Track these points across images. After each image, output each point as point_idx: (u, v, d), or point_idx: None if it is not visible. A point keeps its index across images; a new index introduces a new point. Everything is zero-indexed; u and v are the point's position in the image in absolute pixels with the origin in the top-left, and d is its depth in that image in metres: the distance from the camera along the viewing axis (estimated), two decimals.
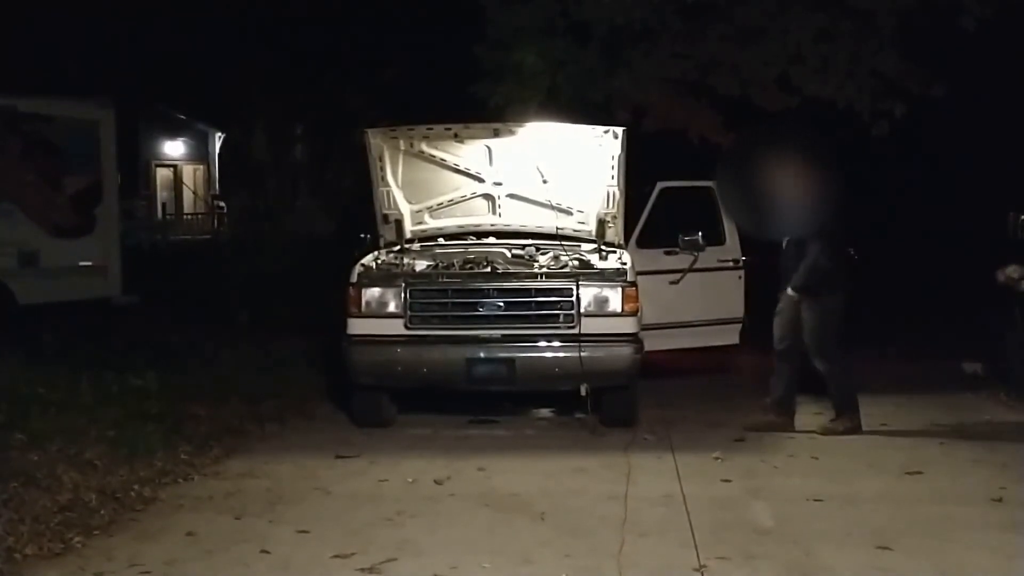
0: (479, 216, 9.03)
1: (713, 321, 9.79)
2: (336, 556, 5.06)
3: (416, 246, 8.71)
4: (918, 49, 10.86)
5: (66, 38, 21.29)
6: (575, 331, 7.54)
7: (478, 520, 5.70)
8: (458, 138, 8.56)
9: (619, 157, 8.24)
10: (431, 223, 9.03)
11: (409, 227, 8.86)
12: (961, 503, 6.00)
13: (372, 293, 7.70)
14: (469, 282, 7.75)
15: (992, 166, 17.74)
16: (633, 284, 7.69)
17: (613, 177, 8.35)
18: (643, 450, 7.30)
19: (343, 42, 18.48)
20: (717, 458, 7.03)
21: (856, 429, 7.78)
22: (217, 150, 34.41)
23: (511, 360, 7.54)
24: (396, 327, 7.63)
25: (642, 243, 9.55)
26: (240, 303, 12.64)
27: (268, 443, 7.63)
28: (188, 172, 35.16)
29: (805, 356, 7.85)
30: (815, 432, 7.76)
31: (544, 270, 7.98)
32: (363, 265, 7.95)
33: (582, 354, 7.43)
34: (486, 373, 7.58)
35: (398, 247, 8.51)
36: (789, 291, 7.79)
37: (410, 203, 8.89)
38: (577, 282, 7.61)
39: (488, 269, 7.92)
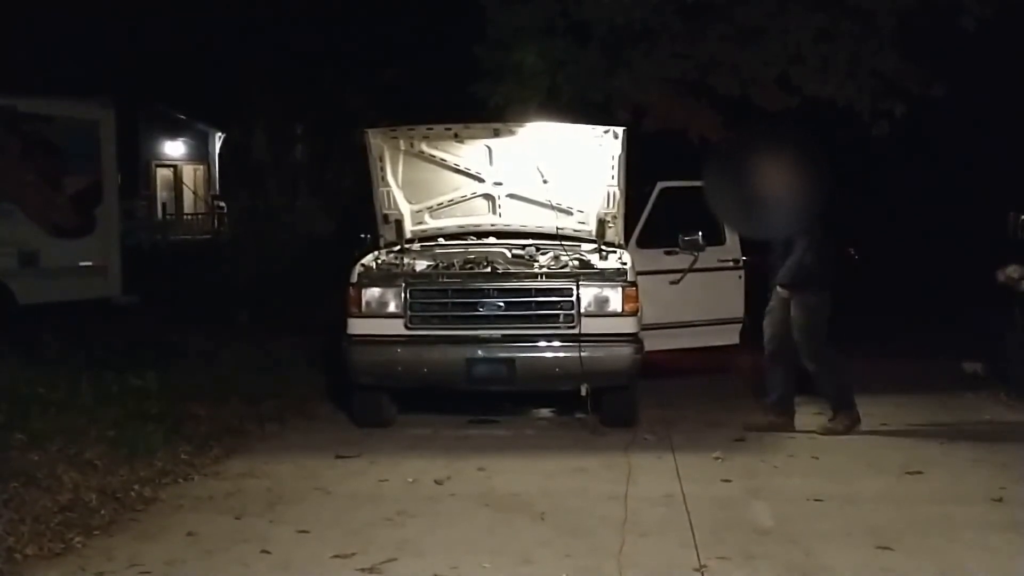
0: (479, 216, 9.03)
1: (713, 321, 9.79)
2: (336, 556, 5.06)
3: (416, 246, 8.71)
4: (918, 49, 10.87)
5: (66, 38, 21.29)
6: (575, 331, 7.54)
7: (478, 520, 5.70)
8: (458, 138, 8.56)
9: (619, 157, 8.24)
10: (431, 223, 9.03)
11: (409, 227, 8.86)
12: (961, 503, 6.00)
13: (372, 293, 7.70)
14: (469, 282, 7.75)
15: (992, 166, 17.75)
16: (633, 284, 7.69)
17: (613, 177, 8.35)
18: (643, 450, 7.30)
19: (343, 42, 18.48)
20: (717, 458, 7.03)
21: (855, 423, 7.78)
22: (217, 150, 34.40)
23: (511, 360, 7.54)
24: (396, 327, 7.63)
25: (642, 243, 9.55)
26: (240, 303, 12.64)
27: (268, 443, 7.63)
28: (188, 172, 35.17)
29: (798, 354, 7.85)
30: (816, 433, 7.76)
31: (544, 270, 7.98)
32: (363, 265, 7.95)
33: (582, 354, 7.43)
34: (486, 373, 7.58)
35: (398, 247, 8.51)
36: (777, 288, 7.81)
37: (410, 203, 8.89)
38: (577, 282, 7.61)
39: (488, 269, 7.92)
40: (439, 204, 8.97)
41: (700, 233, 9.29)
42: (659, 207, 9.80)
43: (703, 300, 9.72)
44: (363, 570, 4.89)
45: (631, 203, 8.83)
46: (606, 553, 5.11)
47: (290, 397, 8.98)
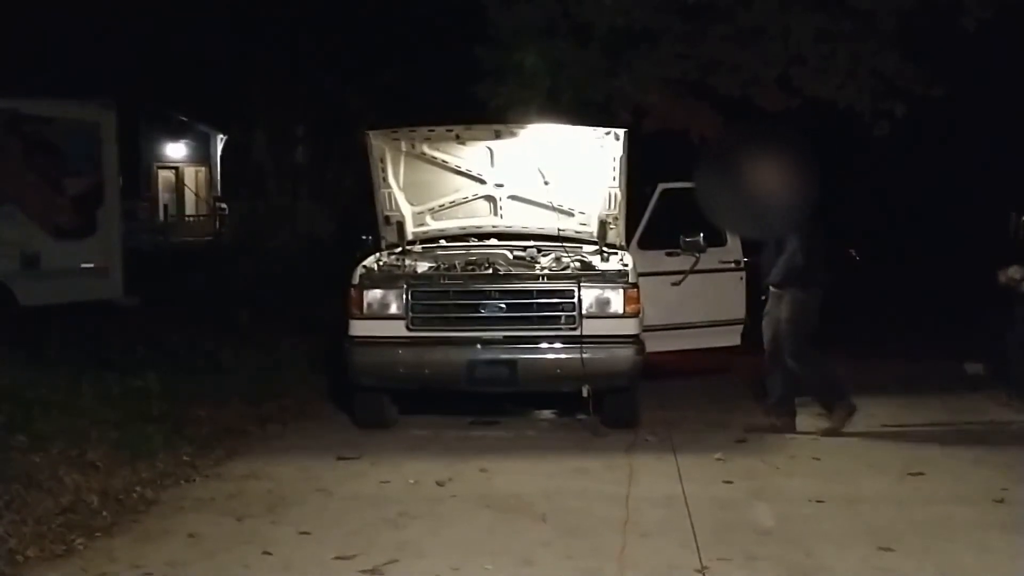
0: (481, 217, 9.04)
1: (715, 322, 9.79)
2: (338, 557, 5.07)
3: (418, 248, 8.71)
4: (918, 49, 10.87)
5: (67, 40, 21.31)
6: (577, 332, 7.54)
7: (480, 521, 5.70)
8: (459, 139, 8.56)
9: (620, 158, 8.23)
10: (433, 224, 9.03)
11: (411, 229, 8.86)
12: (962, 504, 6.00)
13: (374, 295, 7.70)
14: (471, 284, 7.75)
15: (992, 166, 17.75)
16: (635, 285, 7.69)
17: (614, 178, 8.35)
18: (645, 451, 7.30)
19: (344, 43, 18.49)
20: (719, 459, 7.03)
21: (852, 412, 7.78)
22: (219, 152, 34.46)
23: (513, 361, 7.54)
24: (398, 328, 7.63)
25: (644, 244, 9.55)
26: (241, 304, 12.65)
27: (269, 444, 7.63)
28: (190, 174, 35.17)
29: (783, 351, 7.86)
30: (816, 435, 7.75)
31: (546, 271, 7.98)
32: (365, 267, 7.95)
33: (584, 355, 7.43)
34: (488, 374, 7.57)
35: (400, 249, 8.51)
36: (770, 288, 7.82)
37: (412, 205, 8.90)
38: (579, 283, 7.61)
39: (490, 271, 7.92)
40: (440, 205, 8.97)
41: (701, 234, 9.28)
42: (660, 208, 9.80)
43: (704, 301, 9.71)
44: (364, 571, 4.89)
45: (632, 204, 8.83)
46: (607, 554, 5.11)
47: (291, 398, 8.98)
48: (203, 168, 35.50)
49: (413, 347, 7.62)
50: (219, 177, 34.51)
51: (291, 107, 19.75)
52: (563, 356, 7.56)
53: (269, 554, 5.13)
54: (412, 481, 6.52)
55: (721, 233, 9.75)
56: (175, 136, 34.51)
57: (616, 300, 7.61)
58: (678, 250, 9.50)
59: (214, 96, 25.38)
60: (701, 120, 12.22)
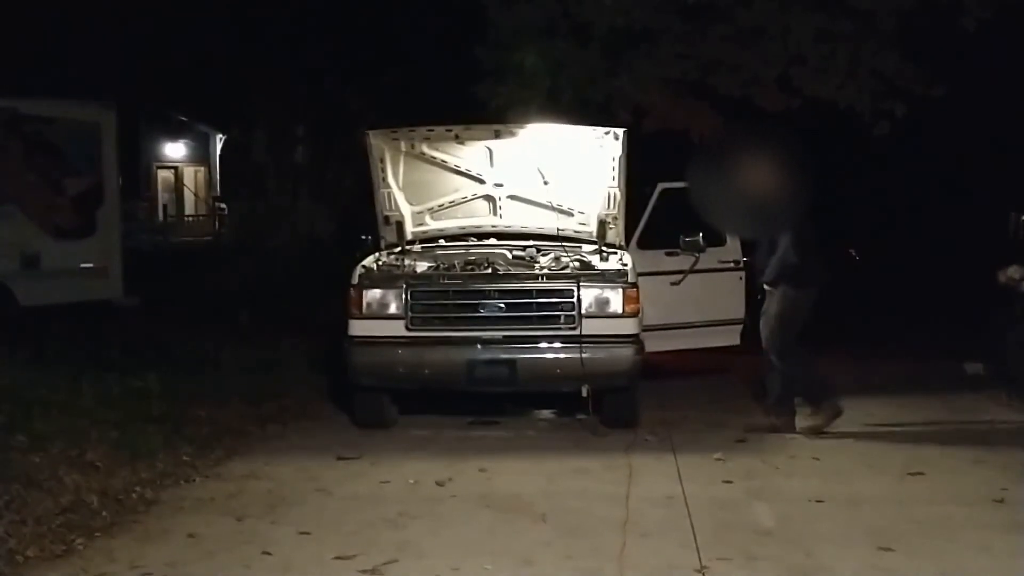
0: (480, 217, 9.04)
1: (714, 322, 9.78)
2: (337, 557, 5.07)
3: (417, 247, 8.71)
4: (918, 49, 10.87)
5: (67, 40, 21.31)
6: (576, 332, 7.54)
7: (479, 521, 5.70)
8: (459, 139, 8.56)
9: (620, 158, 8.23)
10: (432, 224, 9.03)
11: (410, 228, 8.86)
12: (962, 504, 6.00)
13: (373, 294, 7.70)
14: (470, 283, 7.75)
15: (992, 166, 17.76)
16: (634, 285, 7.69)
17: (614, 178, 8.35)
18: (644, 451, 7.30)
19: (344, 43, 18.49)
20: (718, 459, 7.03)
21: (837, 413, 7.76)
22: (218, 152, 34.44)
23: (512, 361, 7.53)
24: (397, 328, 7.63)
25: (643, 244, 9.55)
26: (241, 304, 12.65)
27: (269, 444, 7.63)
28: (189, 174, 35.18)
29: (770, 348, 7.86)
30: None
31: (545, 271, 7.98)
32: (364, 266, 7.95)
33: (583, 355, 7.43)
34: (487, 374, 7.57)
35: (399, 248, 8.51)
36: (765, 287, 7.82)
37: (411, 204, 8.90)
38: (578, 283, 7.61)
39: (489, 270, 7.92)
40: (440, 205, 8.98)
41: (701, 234, 9.28)
42: (660, 208, 9.80)
43: (704, 301, 9.71)
44: (364, 571, 4.89)
45: (632, 204, 8.83)
46: (607, 554, 5.11)
47: (291, 398, 8.98)
48: (202, 168, 35.50)
49: (413, 347, 7.62)
50: (218, 177, 34.50)
51: (291, 107, 19.72)
52: (562, 356, 7.56)
53: (269, 554, 5.13)
54: (412, 481, 6.52)
55: (720, 233, 9.75)
56: (174, 136, 34.51)
57: (615, 300, 7.61)
58: (677, 250, 9.50)
59: (214, 96, 25.38)
60: (701, 120, 12.23)
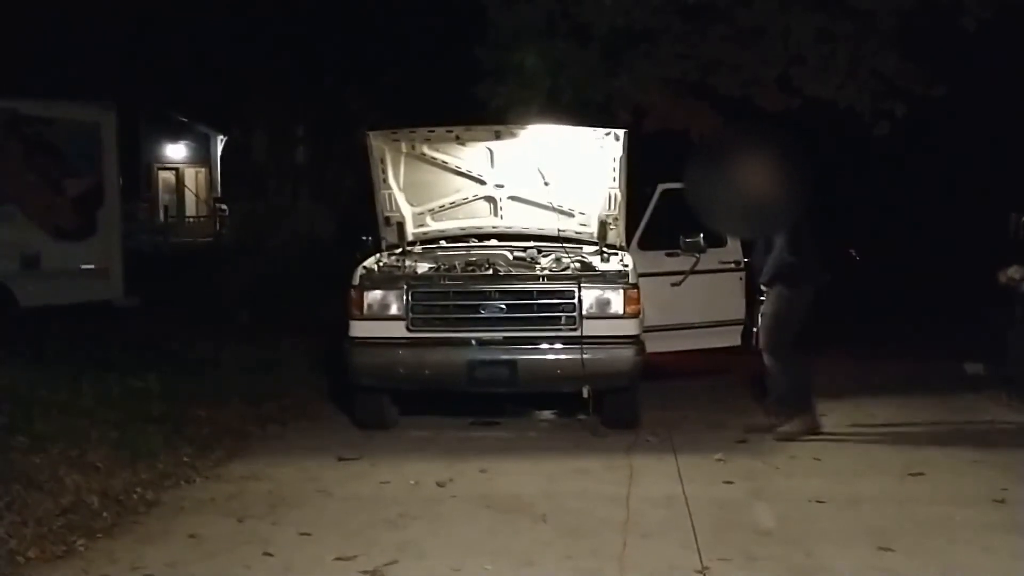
0: (481, 218, 9.04)
1: (715, 323, 9.78)
2: (338, 558, 5.07)
3: (418, 248, 8.71)
4: (918, 49, 10.87)
5: (68, 41, 21.31)
6: (577, 333, 7.53)
7: (480, 522, 5.70)
8: (460, 140, 8.56)
9: (620, 159, 8.23)
10: (433, 225, 9.03)
11: (411, 229, 8.87)
12: (963, 504, 5.99)
13: (374, 295, 7.70)
14: (471, 284, 7.75)
15: (992, 166, 17.76)
16: (635, 286, 7.69)
17: (614, 179, 8.35)
18: (645, 451, 7.30)
19: (344, 44, 18.51)
20: (719, 459, 7.03)
21: (815, 430, 7.68)
22: (219, 153, 34.46)
23: (513, 362, 7.53)
24: (398, 329, 7.63)
25: (644, 245, 9.54)
26: (241, 305, 12.66)
27: (270, 445, 7.63)
28: (190, 175, 35.17)
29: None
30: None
31: (546, 272, 7.98)
32: (365, 267, 7.95)
33: (584, 356, 7.43)
34: (488, 375, 7.57)
35: (400, 249, 8.51)
36: (762, 287, 7.82)
37: (412, 205, 8.90)
38: (579, 284, 7.61)
39: (490, 271, 7.92)
40: (441, 206, 8.98)
41: (702, 235, 9.27)
42: (660, 209, 9.79)
43: (704, 302, 9.71)
44: (365, 572, 4.89)
45: (632, 205, 8.83)
46: (608, 554, 5.11)
47: (291, 399, 8.98)
48: (203, 169, 35.50)
49: (413, 348, 7.62)
50: (219, 178, 34.51)
51: (291, 107, 19.75)
52: (563, 357, 7.56)
53: (270, 555, 5.14)
54: (412, 482, 6.52)
55: (719, 233, 9.75)
56: (175, 137, 34.51)
57: (616, 301, 7.61)
58: (678, 250, 9.49)
59: (214, 97, 25.41)
60: (701, 120, 12.22)
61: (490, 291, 7.66)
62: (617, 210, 8.46)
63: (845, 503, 6.02)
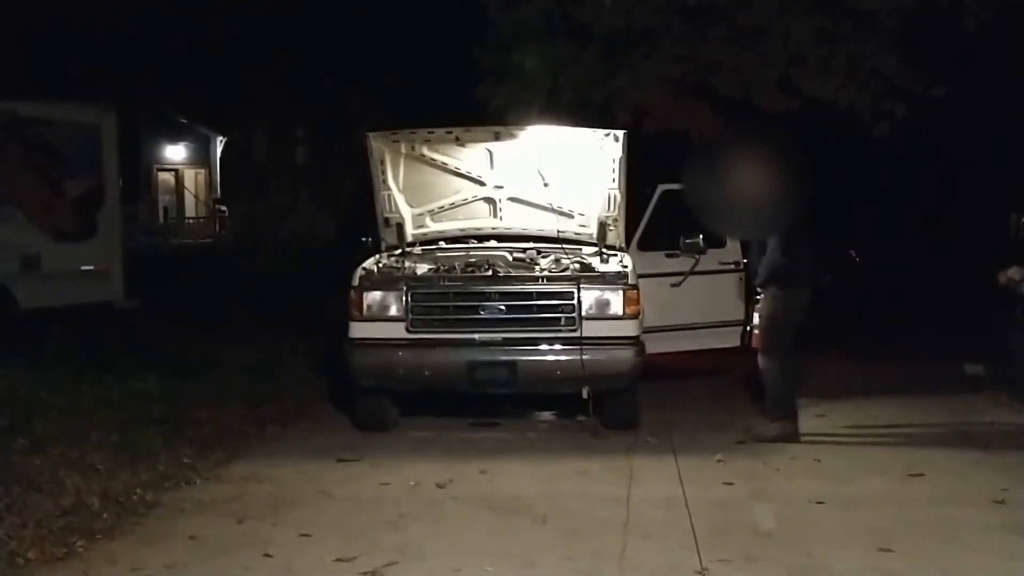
0: (480, 219, 9.03)
1: (714, 324, 9.78)
2: (338, 560, 5.07)
3: (417, 249, 8.71)
4: (919, 49, 10.87)
5: (67, 42, 21.32)
6: (576, 334, 7.53)
7: (480, 523, 5.70)
8: (459, 141, 8.55)
9: (620, 160, 8.23)
10: (432, 226, 9.03)
11: (410, 230, 8.86)
12: (963, 505, 6.00)
13: (374, 296, 7.70)
14: (470, 285, 7.75)
15: (993, 167, 17.76)
16: (634, 287, 7.69)
17: (614, 180, 8.34)
18: (645, 452, 7.30)
19: (344, 44, 18.51)
20: (719, 460, 7.03)
21: (792, 437, 7.59)
22: (219, 154, 34.45)
23: (513, 363, 7.53)
24: (398, 330, 7.63)
25: (643, 246, 9.54)
26: (241, 306, 12.65)
27: (270, 446, 7.63)
28: (190, 176, 35.16)
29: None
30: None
31: (545, 273, 7.97)
32: (365, 268, 7.95)
33: (583, 357, 7.43)
34: (488, 376, 7.57)
35: (399, 250, 8.52)
36: (758, 288, 7.82)
37: (411, 206, 8.89)
38: (578, 285, 7.61)
39: (489, 272, 7.91)
40: (440, 207, 8.97)
41: (701, 236, 9.27)
42: (660, 209, 9.79)
43: (704, 303, 9.71)
44: (365, 573, 4.89)
45: (632, 206, 8.82)
46: (608, 555, 5.12)
47: (291, 400, 8.98)
48: (203, 170, 35.49)
49: (413, 349, 7.62)
50: (219, 179, 34.50)
51: (291, 108, 19.76)
52: (563, 358, 7.55)
53: (270, 556, 5.14)
54: (412, 483, 6.52)
55: (717, 234, 9.75)
56: (175, 138, 34.49)
57: (616, 301, 7.60)
58: (678, 251, 9.49)
59: (214, 98, 25.41)
60: (701, 121, 12.21)
61: (490, 292, 7.66)
62: (617, 211, 8.45)
63: (845, 504, 6.02)
